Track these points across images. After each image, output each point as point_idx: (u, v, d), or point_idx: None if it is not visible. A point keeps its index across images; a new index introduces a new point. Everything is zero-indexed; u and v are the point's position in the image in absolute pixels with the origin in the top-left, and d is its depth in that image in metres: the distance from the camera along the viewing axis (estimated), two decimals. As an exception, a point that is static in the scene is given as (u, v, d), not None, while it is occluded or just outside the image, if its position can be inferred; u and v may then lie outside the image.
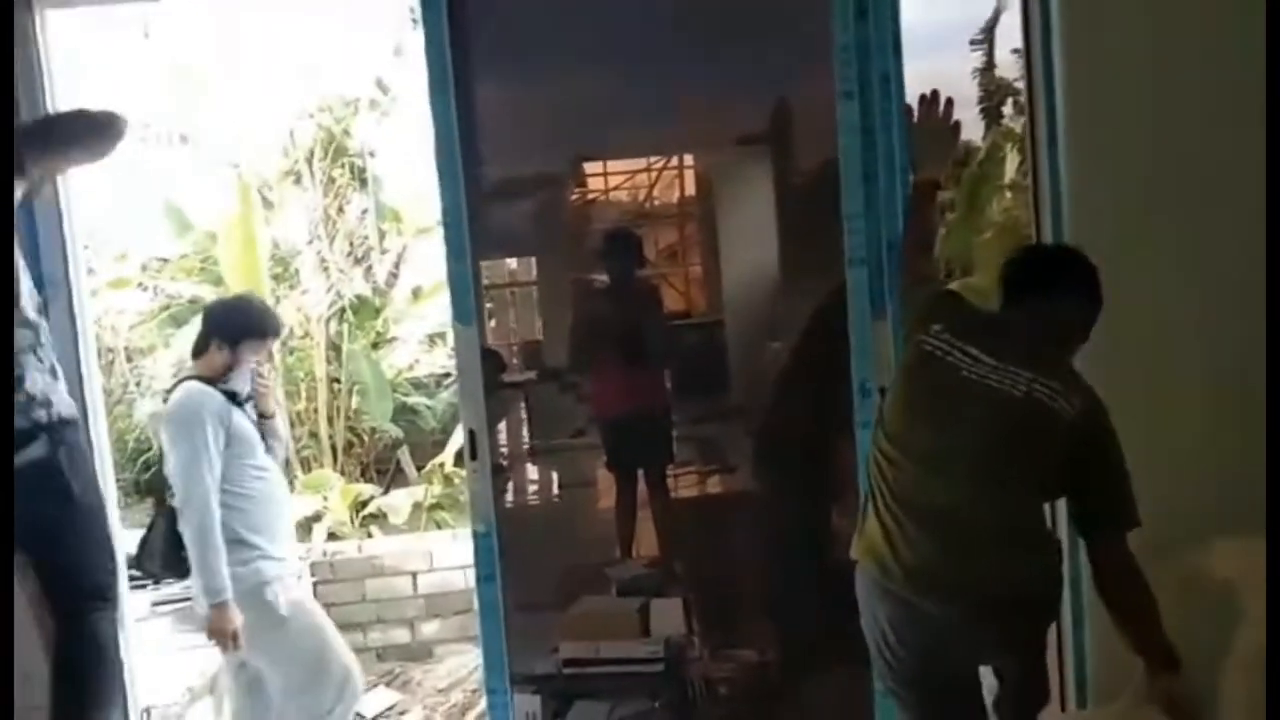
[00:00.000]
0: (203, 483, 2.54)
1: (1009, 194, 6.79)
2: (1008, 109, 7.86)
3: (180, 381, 2.71)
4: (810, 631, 2.64)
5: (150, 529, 2.72)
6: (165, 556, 2.66)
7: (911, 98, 2.19)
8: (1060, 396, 1.70)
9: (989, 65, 8.22)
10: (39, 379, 2.13)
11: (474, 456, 2.34)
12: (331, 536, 5.29)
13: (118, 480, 4.03)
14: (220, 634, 2.55)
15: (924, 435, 1.78)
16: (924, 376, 1.82)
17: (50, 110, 2.42)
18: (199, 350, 2.71)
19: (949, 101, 2.16)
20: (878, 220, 2.18)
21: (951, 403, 1.76)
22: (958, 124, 2.19)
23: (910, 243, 2.08)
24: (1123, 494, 1.74)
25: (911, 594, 1.73)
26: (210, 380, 2.64)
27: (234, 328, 2.69)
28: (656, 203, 4.23)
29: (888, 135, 2.19)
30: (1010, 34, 7.59)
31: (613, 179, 4.27)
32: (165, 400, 2.79)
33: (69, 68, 2.53)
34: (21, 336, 2.11)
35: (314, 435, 6.13)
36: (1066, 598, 2.10)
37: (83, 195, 2.63)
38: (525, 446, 4.01)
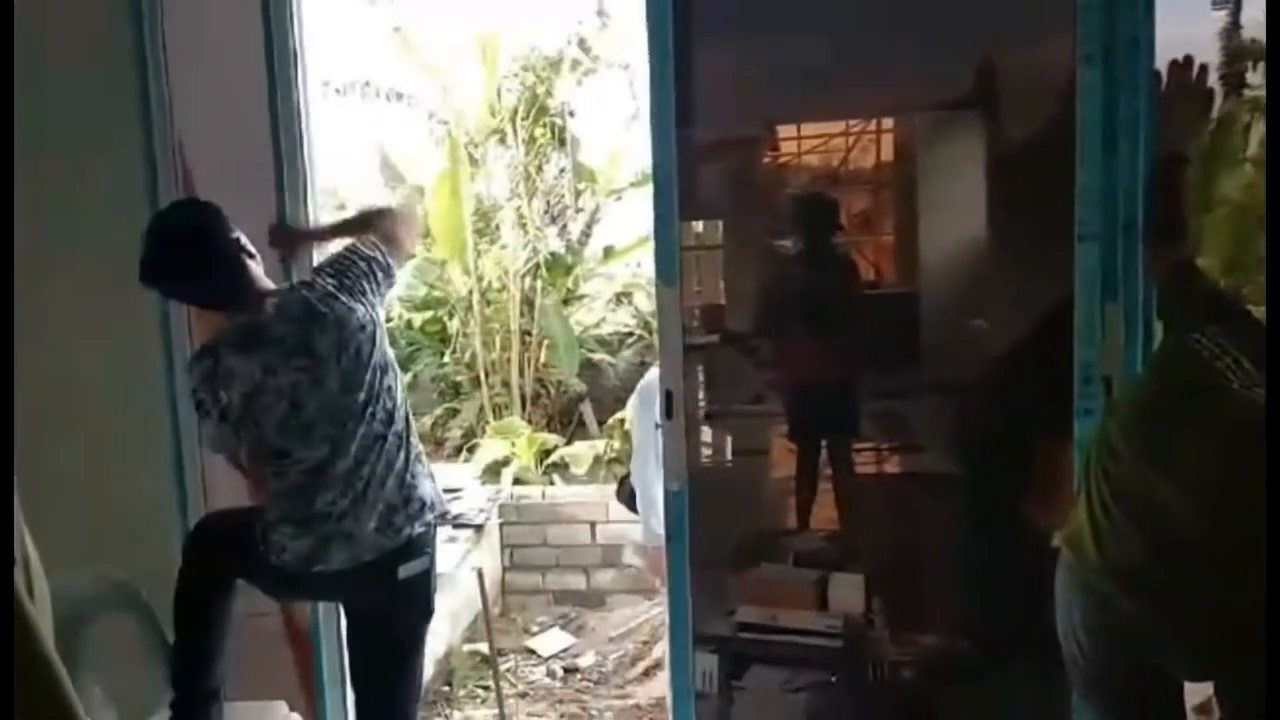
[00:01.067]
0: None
1: (1250, 168, 6.17)
2: (1254, 76, 7.10)
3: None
4: (1002, 624, 2.54)
5: (623, 482, 3.77)
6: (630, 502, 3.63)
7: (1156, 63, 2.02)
8: None
9: (1234, 25, 7.45)
10: (427, 485, 2.08)
11: (670, 416, 2.37)
12: (517, 481, 5.55)
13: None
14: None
15: (1164, 434, 1.68)
16: (1183, 376, 1.71)
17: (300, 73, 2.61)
18: None
19: (1203, 68, 1.98)
20: (1115, 195, 2.03)
21: (1206, 409, 1.64)
22: (1211, 92, 2.01)
23: (1159, 224, 1.93)
24: None
25: (1109, 588, 1.66)
26: None
27: None
28: (851, 167, 4.10)
29: (1132, 103, 2.03)
30: (1264, -9, 6.83)
31: (805, 142, 4.17)
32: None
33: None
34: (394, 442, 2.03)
35: (505, 384, 6.42)
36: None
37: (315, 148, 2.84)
38: (701, 409, 4.03)
